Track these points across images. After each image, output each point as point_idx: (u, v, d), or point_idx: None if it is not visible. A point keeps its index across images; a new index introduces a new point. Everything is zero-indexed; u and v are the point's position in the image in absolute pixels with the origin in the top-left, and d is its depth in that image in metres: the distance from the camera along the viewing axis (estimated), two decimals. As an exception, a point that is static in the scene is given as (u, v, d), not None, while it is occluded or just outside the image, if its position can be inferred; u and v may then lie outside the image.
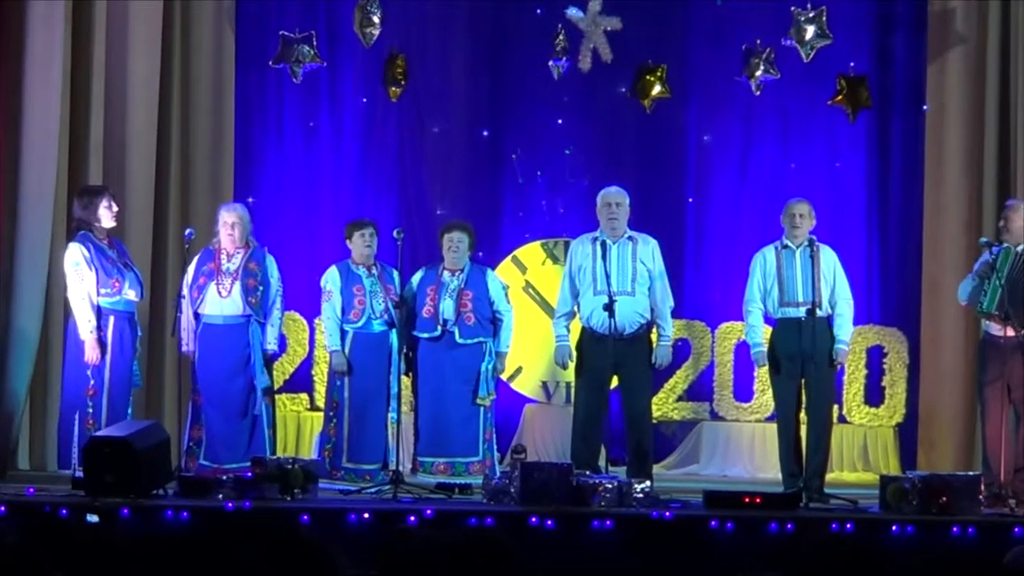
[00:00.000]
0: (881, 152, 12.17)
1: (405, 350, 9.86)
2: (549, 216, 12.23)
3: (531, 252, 12.18)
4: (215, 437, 9.67)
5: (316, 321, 11.21)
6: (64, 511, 7.96)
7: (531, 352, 11.79)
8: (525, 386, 12.04)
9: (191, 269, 9.76)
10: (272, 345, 9.82)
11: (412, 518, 8.04)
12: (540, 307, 11.90)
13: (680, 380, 12.06)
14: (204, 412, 9.69)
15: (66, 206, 10.28)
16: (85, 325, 9.37)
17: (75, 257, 9.44)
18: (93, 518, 7.90)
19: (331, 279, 10.04)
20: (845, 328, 9.63)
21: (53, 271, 10.26)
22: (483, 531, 7.47)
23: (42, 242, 10.43)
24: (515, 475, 8.59)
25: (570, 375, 10.38)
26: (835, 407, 10.35)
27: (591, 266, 9.68)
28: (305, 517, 8.03)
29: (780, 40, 11.33)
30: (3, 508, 7.94)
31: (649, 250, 9.79)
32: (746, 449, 11.99)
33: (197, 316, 9.70)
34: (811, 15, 11.26)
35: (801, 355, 9.40)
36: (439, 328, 9.90)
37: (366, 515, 8.03)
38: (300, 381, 11.85)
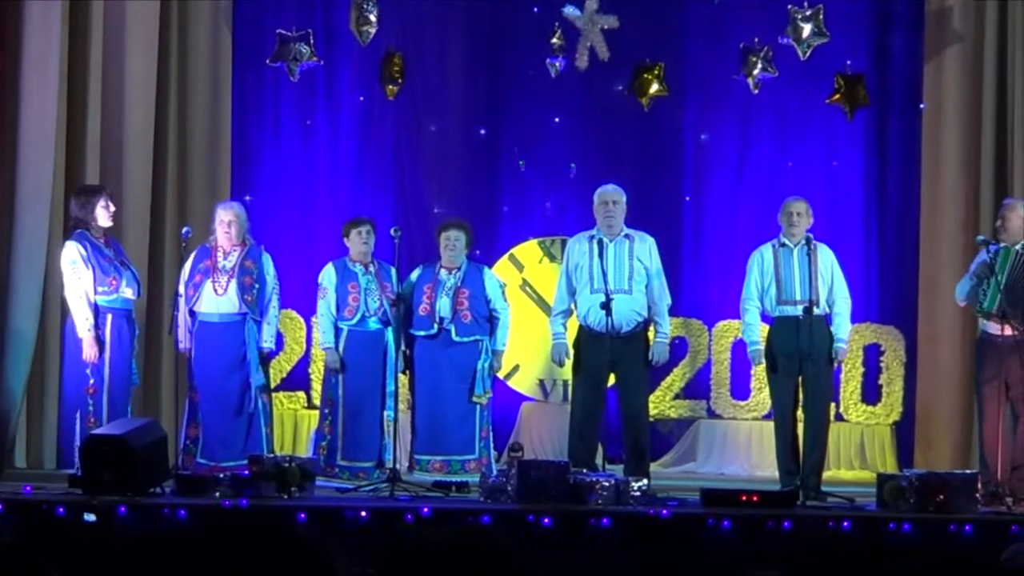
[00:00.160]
0: (878, 151, 12.17)
1: (403, 348, 9.86)
2: (546, 214, 12.24)
3: (528, 250, 12.18)
4: (212, 435, 9.67)
5: (313, 319, 11.21)
6: (61, 509, 7.96)
7: (528, 350, 11.79)
8: (522, 384, 12.05)
9: (187, 267, 9.76)
10: (268, 343, 9.82)
11: (409, 516, 8.04)
12: (537, 305, 11.90)
13: (677, 378, 12.07)
14: (200, 410, 9.69)
15: (63, 205, 10.29)
16: (83, 323, 9.37)
17: (72, 255, 9.44)
18: (90, 517, 7.89)
19: (327, 276, 10.05)
20: (843, 327, 9.64)
21: (50, 271, 10.27)
22: (480, 529, 7.48)
23: (39, 242, 10.44)
24: (512, 473, 8.59)
25: (567, 373, 10.39)
26: (832, 405, 10.35)
27: (588, 264, 9.67)
28: (302, 515, 8.03)
29: (777, 39, 11.33)
30: (0, 506, 7.93)
31: (646, 248, 9.79)
32: (743, 447, 12.00)
33: (193, 314, 9.71)
34: (808, 13, 11.26)
35: (798, 353, 9.41)
36: (435, 326, 9.90)
37: (363, 513, 8.03)
38: (297, 379, 11.85)
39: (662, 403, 11.93)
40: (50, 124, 10.48)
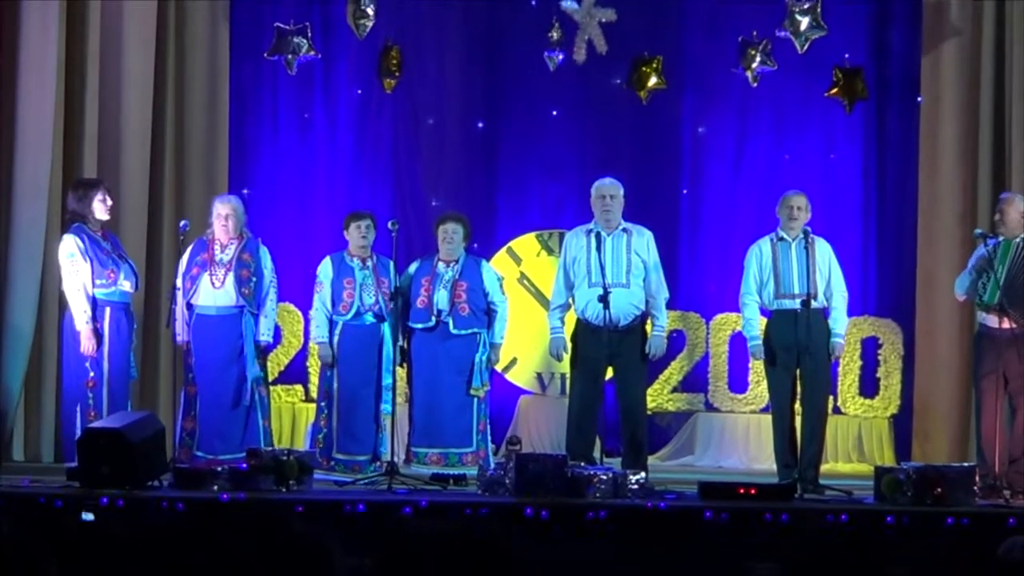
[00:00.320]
0: (876, 144, 12.17)
1: (400, 341, 9.86)
2: (543, 208, 12.24)
3: (526, 243, 12.18)
4: (209, 428, 9.67)
5: (311, 312, 11.22)
6: (59, 502, 7.96)
7: (526, 343, 11.79)
8: (520, 377, 12.05)
9: (184, 260, 9.76)
10: (266, 336, 9.82)
11: (407, 509, 8.04)
12: (535, 298, 11.91)
13: (675, 371, 12.07)
14: (198, 403, 9.69)
15: (61, 200, 10.29)
16: (81, 316, 9.37)
17: (70, 248, 9.43)
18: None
19: (323, 270, 10.05)
20: (840, 321, 9.63)
21: (48, 265, 10.27)
22: (478, 522, 7.49)
23: (37, 236, 10.44)
24: (510, 466, 8.59)
25: (565, 366, 10.38)
26: (830, 398, 10.35)
27: (585, 258, 9.67)
28: (300, 508, 8.03)
29: (775, 32, 11.32)
30: (-1, 499, 7.95)
31: (644, 242, 9.78)
32: (741, 440, 12.00)
33: (190, 307, 9.70)
34: (806, 7, 11.26)
35: (796, 346, 9.40)
36: (433, 319, 9.90)
37: (361, 506, 8.03)
38: (295, 372, 11.86)
39: (660, 396, 11.94)
40: (48, 118, 10.49)
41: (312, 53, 11.35)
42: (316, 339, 10.15)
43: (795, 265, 9.52)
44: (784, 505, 8.37)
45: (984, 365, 9.53)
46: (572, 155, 12.19)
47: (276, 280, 9.92)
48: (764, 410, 11.35)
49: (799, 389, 9.52)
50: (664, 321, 9.87)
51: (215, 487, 8.47)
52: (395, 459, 9.47)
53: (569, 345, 9.83)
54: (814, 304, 9.39)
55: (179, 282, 9.71)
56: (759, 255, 9.66)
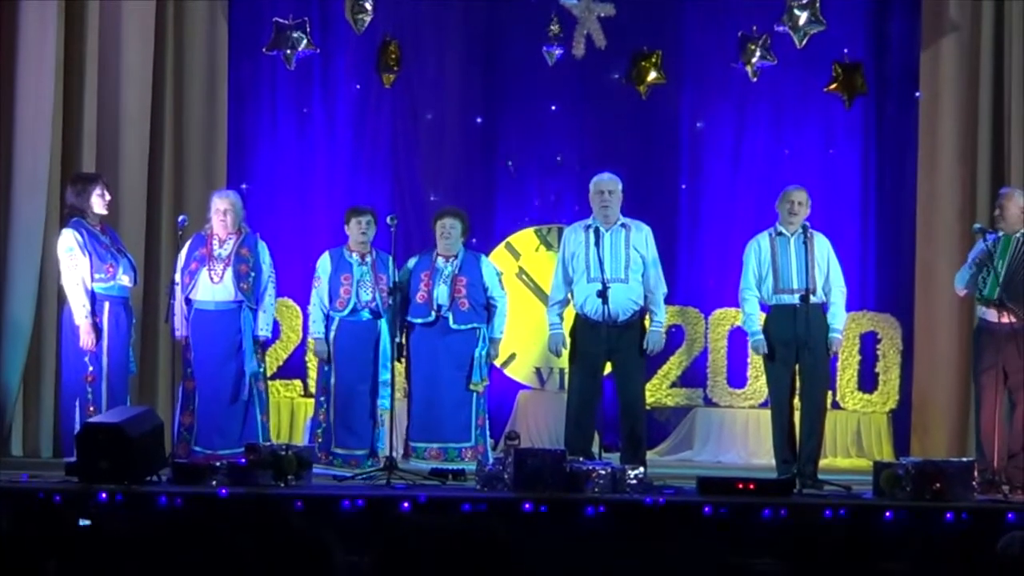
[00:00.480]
0: (875, 139, 12.18)
1: (397, 337, 9.86)
2: (542, 203, 12.24)
3: (524, 238, 12.18)
4: (208, 423, 9.67)
5: (308, 308, 11.22)
6: (58, 498, 7.95)
7: (525, 338, 11.79)
8: (519, 372, 12.05)
9: (183, 255, 9.74)
10: (265, 331, 9.82)
11: (406, 504, 8.04)
12: (533, 293, 11.91)
13: (674, 366, 12.07)
14: (196, 398, 9.69)
15: (59, 195, 10.28)
16: (80, 310, 9.36)
17: (68, 243, 9.43)
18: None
19: (322, 266, 10.05)
20: (839, 316, 9.62)
21: (47, 260, 10.27)
22: (476, 517, 7.48)
23: (36, 231, 10.44)
24: (509, 461, 8.59)
25: (564, 362, 10.38)
26: (829, 393, 10.36)
27: (584, 253, 9.66)
28: (299, 503, 8.03)
29: (773, 26, 11.31)
30: (-3, 495, 7.94)
31: (642, 237, 9.77)
32: (740, 435, 12.01)
33: (188, 301, 9.69)
34: (804, 2, 11.23)
35: (795, 341, 9.40)
36: (433, 314, 9.90)
37: (360, 501, 8.03)
38: (294, 367, 11.85)
39: (659, 391, 11.94)
40: (46, 113, 10.48)
41: (311, 48, 11.33)
42: (313, 334, 10.16)
43: (794, 260, 9.52)
44: (783, 500, 8.37)
45: (984, 360, 9.52)
46: (571, 150, 12.19)
47: (275, 275, 9.92)
48: (763, 405, 11.35)
49: (798, 384, 9.52)
50: (663, 316, 9.86)
51: (214, 482, 8.47)
52: (394, 454, 9.47)
53: (568, 341, 9.83)
54: (813, 299, 9.39)
55: (177, 277, 9.70)
56: (758, 250, 9.65)
